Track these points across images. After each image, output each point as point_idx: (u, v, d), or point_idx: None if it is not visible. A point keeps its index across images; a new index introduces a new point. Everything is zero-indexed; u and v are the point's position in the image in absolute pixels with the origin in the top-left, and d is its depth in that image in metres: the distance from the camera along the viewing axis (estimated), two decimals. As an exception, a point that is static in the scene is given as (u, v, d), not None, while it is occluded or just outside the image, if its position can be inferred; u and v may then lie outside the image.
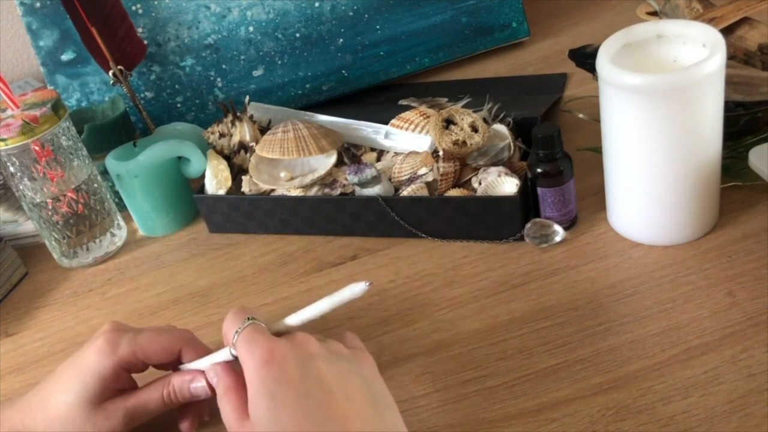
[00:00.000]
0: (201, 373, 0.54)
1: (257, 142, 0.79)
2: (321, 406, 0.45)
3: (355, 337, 0.54)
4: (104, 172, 0.83)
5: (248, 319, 0.50)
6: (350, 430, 0.44)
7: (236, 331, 0.50)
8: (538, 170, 0.65)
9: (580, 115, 0.79)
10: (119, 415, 0.54)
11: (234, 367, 0.51)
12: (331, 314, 0.59)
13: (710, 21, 0.72)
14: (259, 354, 0.47)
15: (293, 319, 0.52)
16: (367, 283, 0.50)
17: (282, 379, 0.46)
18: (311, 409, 0.44)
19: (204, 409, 0.58)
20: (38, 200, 0.77)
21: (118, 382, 0.54)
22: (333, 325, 0.64)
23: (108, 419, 0.53)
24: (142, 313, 0.73)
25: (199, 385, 0.54)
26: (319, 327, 0.62)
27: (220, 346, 0.67)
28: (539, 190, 0.66)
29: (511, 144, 0.72)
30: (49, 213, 0.77)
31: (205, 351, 0.56)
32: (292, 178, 0.77)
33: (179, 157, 0.81)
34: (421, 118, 0.77)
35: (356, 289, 0.51)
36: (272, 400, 0.45)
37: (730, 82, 0.63)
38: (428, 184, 0.71)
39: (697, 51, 0.59)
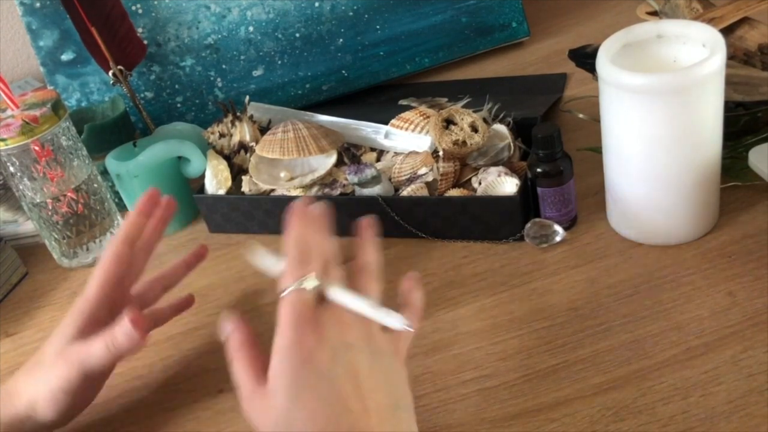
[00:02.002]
0: (137, 322, 0.54)
1: (257, 142, 0.79)
2: (341, 396, 0.44)
3: (417, 311, 0.51)
4: (104, 172, 0.83)
5: (305, 280, 0.47)
6: (364, 426, 0.43)
7: (289, 287, 0.47)
8: (538, 170, 0.65)
9: (580, 115, 0.79)
10: (73, 362, 0.55)
11: (248, 324, 0.50)
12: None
13: (710, 21, 0.72)
14: (297, 333, 0.45)
15: (338, 296, 0.48)
16: (407, 324, 0.47)
17: (311, 360, 0.44)
18: (331, 398, 0.43)
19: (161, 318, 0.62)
20: (38, 200, 0.77)
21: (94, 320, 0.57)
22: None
23: (66, 364, 0.55)
24: (142, 313, 0.73)
25: (126, 330, 0.54)
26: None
27: (220, 346, 0.67)
28: (539, 190, 0.66)
29: (511, 144, 0.72)
30: (49, 213, 0.77)
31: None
32: (292, 178, 0.77)
33: (179, 157, 0.81)
34: (421, 118, 0.77)
35: (395, 322, 0.47)
36: (296, 376, 0.44)
37: (730, 82, 0.63)
38: (428, 184, 0.71)
39: (697, 51, 0.59)
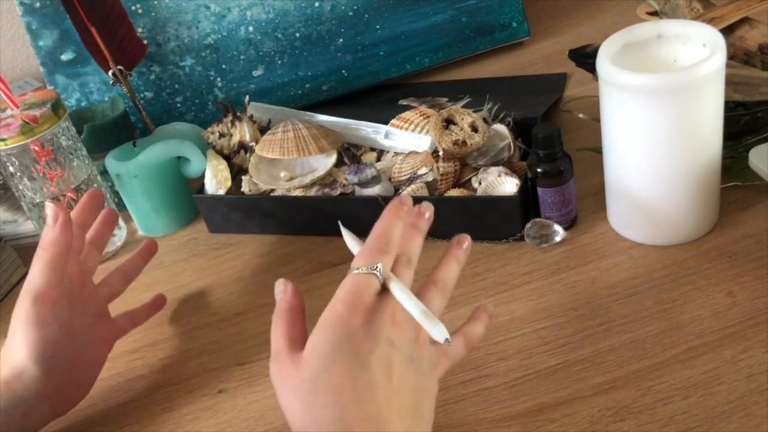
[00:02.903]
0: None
1: (257, 142, 0.79)
2: (371, 384, 0.43)
3: (470, 342, 0.52)
4: (104, 172, 0.83)
5: (375, 267, 0.47)
6: (385, 419, 0.43)
7: (360, 268, 0.47)
8: (538, 170, 0.65)
9: (580, 115, 0.79)
10: (21, 299, 0.58)
11: (301, 295, 0.50)
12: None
13: (710, 21, 0.72)
14: (353, 307, 0.45)
15: (398, 292, 0.47)
16: (446, 339, 0.46)
17: (353, 340, 0.44)
18: (361, 381, 0.43)
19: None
20: (38, 200, 0.77)
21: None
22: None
23: (18, 307, 0.58)
24: (142, 313, 0.73)
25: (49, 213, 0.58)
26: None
27: (220, 346, 0.67)
28: (539, 190, 0.66)
29: (511, 144, 0.72)
30: (49, 213, 0.77)
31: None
32: (292, 178, 0.77)
33: (179, 157, 0.81)
34: (421, 118, 0.77)
35: (438, 334, 0.46)
36: (334, 349, 0.44)
37: (730, 82, 0.63)
38: (428, 184, 0.71)
39: (697, 51, 0.59)
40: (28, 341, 0.56)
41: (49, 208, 0.58)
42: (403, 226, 0.50)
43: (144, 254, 0.71)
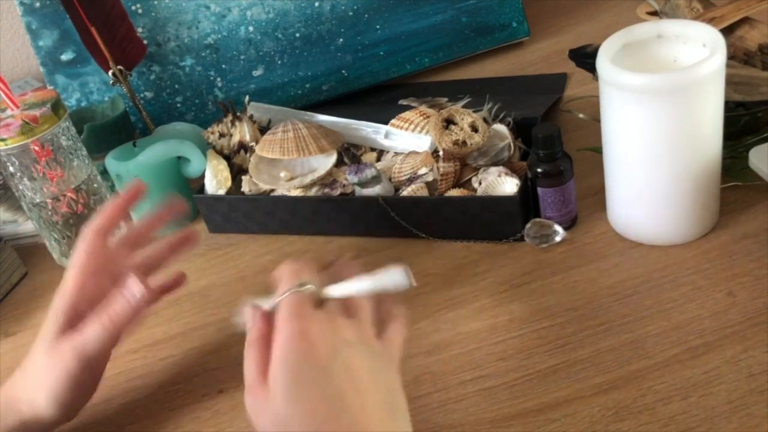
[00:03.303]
0: (136, 281, 0.53)
1: (257, 142, 0.79)
2: (341, 393, 0.43)
3: (400, 327, 0.51)
4: (104, 172, 0.83)
5: (302, 284, 0.48)
6: (364, 424, 0.43)
7: (286, 291, 0.48)
8: (538, 170, 0.65)
9: (580, 115, 0.79)
10: (68, 352, 0.53)
11: (272, 318, 0.49)
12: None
13: (710, 21, 0.72)
14: (298, 326, 0.45)
15: (335, 291, 0.49)
16: (408, 278, 0.47)
17: (309, 357, 0.44)
18: (330, 394, 0.43)
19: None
20: (38, 200, 0.77)
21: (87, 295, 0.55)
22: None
23: (61, 357, 0.53)
24: (142, 313, 0.73)
25: (135, 289, 0.53)
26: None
27: (220, 346, 0.67)
28: (539, 190, 0.66)
29: (511, 144, 0.72)
30: (49, 213, 0.77)
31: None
32: (292, 178, 0.77)
33: (179, 157, 0.81)
34: (421, 118, 0.77)
35: (398, 279, 0.47)
36: (294, 374, 0.44)
37: (730, 82, 0.63)
38: (428, 184, 0.71)
39: (697, 51, 0.59)
40: (51, 388, 0.54)
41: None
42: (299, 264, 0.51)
43: (175, 246, 0.64)
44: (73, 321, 0.55)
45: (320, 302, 0.48)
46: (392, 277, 0.48)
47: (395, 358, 0.50)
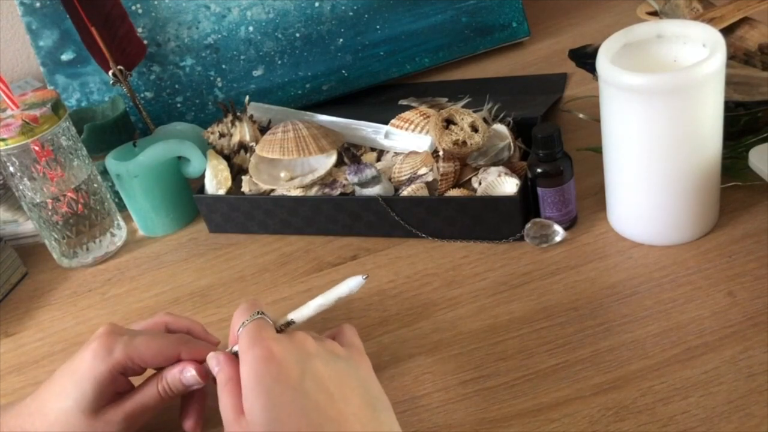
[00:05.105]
0: (192, 363, 0.54)
1: (257, 142, 0.79)
2: (319, 406, 0.44)
3: (354, 333, 0.54)
4: (104, 172, 0.83)
5: (256, 313, 0.50)
6: (348, 430, 0.44)
7: (242, 323, 0.50)
8: (538, 170, 0.65)
9: (580, 115, 0.79)
10: (119, 420, 0.53)
11: (237, 359, 0.51)
12: (331, 315, 0.60)
13: (710, 21, 0.72)
14: (259, 351, 0.47)
15: (295, 315, 0.52)
16: (364, 277, 0.51)
17: (280, 378, 0.45)
18: (309, 409, 0.44)
19: (204, 403, 0.57)
20: (38, 200, 0.77)
21: (116, 386, 0.54)
22: (333, 325, 0.64)
23: (108, 425, 0.53)
24: (142, 314, 0.73)
25: (189, 375, 0.53)
26: (319, 327, 0.62)
27: (220, 346, 0.67)
28: (539, 190, 0.66)
29: (511, 144, 0.72)
30: (49, 213, 0.77)
31: (205, 351, 0.54)
32: (292, 178, 0.77)
33: (179, 157, 0.81)
34: (421, 118, 0.77)
35: (353, 283, 0.51)
36: (269, 398, 0.44)
37: (730, 82, 0.63)
38: (428, 184, 0.71)
39: (697, 51, 0.59)
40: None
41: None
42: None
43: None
44: (109, 390, 0.54)
45: (279, 330, 0.51)
46: (346, 285, 0.51)
47: (361, 353, 0.51)
